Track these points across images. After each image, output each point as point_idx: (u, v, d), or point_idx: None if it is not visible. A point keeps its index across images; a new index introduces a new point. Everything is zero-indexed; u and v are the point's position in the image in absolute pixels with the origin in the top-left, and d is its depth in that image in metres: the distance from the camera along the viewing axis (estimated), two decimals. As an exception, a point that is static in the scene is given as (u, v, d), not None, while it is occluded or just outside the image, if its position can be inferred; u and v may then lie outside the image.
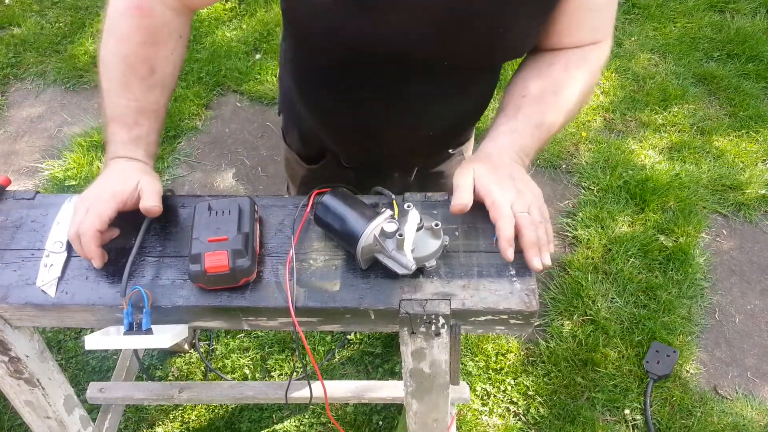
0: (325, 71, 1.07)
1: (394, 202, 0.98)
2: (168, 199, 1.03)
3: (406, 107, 1.07)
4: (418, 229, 0.90)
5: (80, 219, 0.90)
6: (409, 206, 0.90)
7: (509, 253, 0.88)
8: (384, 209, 0.92)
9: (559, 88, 0.99)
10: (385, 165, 1.25)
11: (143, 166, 0.96)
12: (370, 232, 0.88)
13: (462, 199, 0.91)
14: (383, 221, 0.89)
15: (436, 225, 0.90)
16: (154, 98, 0.97)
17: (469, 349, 1.97)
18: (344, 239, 0.92)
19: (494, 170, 0.93)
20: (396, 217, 0.91)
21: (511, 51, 1.00)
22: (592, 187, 2.42)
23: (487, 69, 1.08)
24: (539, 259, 0.88)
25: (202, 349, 1.97)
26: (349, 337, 2.01)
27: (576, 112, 1.03)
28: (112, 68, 0.95)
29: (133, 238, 0.96)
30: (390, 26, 0.90)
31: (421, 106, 1.08)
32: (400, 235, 0.87)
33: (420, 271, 0.91)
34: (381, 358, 1.96)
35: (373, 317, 0.91)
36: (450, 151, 1.30)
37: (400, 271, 0.88)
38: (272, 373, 1.93)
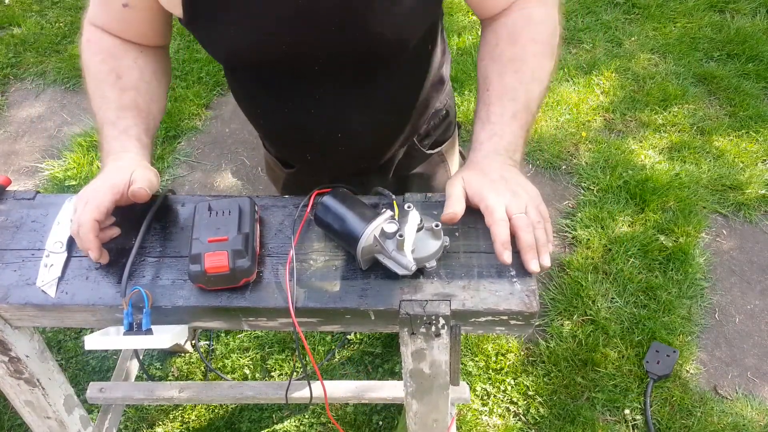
0: (240, 77, 1.10)
1: (395, 202, 0.98)
2: (168, 199, 1.03)
3: (315, 108, 1.06)
4: (419, 230, 0.90)
5: (80, 212, 0.90)
6: (409, 207, 0.90)
7: (506, 257, 0.87)
8: (384, 210, 0.92)
9: (518, 64, 0.95)
10: (345, 173, 1.22)
11: (138, 159, 0.96)
12: (370, 232, 0.88)
13: (451, 208, 0.91)
14: (383, 222, 0.89)
15: (437, 226, 0.90)
16: (129, 98, 0.99)
17: (469, 349, 1.97)
18: (344, 240, 0.92)
19: (484, 175, 0.92)
20: (396, 217, 0.91)
21: (387, 36, 0.94)
22: (592, 187, 2.42)
23: (378, 61, 1.01)
24: (536, 261, 0.87)
25: (202, 349, 1.97)
26: (349, 337, 2.01)
27: (549, 72, 0.97)
28: (89, 89, 1.01)
29: (133, 238, 0.96)
30: (246, 33, 0.93)
31: (332, 107, 1.06)
32: (401, 235, 0.87)
33: (420, 272, 0.91)
34: (381, 358, 1.96)
35: (373, 318, 0.91)
36: (426, 151, 1.27)
37: (400, 271, 0.88)
38: (272, 373, 1.93)
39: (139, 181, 0.90)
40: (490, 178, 0.91)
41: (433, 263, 0.91)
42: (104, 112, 0.98)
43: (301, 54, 0.96)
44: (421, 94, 1.15)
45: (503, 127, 0.94)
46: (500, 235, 0.87)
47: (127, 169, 0.92)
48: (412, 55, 1.05)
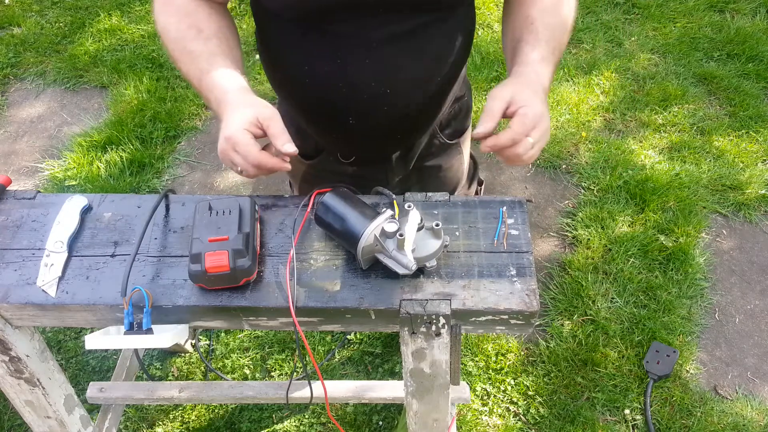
0: (288, 32, 1.08)
1: (395, 202, 0.98)
2: (168, 199, 1.03)
3: (369, 58, 1.06)
4: (419, 229, 0.90)
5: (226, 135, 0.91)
6: (409, 206, 0.91)
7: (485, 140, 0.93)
8: (384, 209, 0.92)
9: (556, 9, 1.06)
10: (376, 151, 1.22)
11: (247, 96, 0.97)
12: (370, 232, 0.88)
13: (485, 127, 0.94)
14: (384, 221, 0.89)
15: (437, 225, 0.90)
16: (214, 45, 1.01)
17: (469, 349, 1.97)
18: (345, 239, 0.92)
19: (534, 93, 0.96)
20: (396, 217, 0.92)
21: None
22: (592, 187, 2.42)
23: (436, 10, 1.06)
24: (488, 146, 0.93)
25: (201, 349, 1.97)
26: (349, 337, 2.01)
27: (573, 23, 1.09)
28: (173, 49, 1.03)
29: (133, 238, 0.96)
30: None
31: (385, 57, 1.06)
32: (401, 235, 0.87)
33: (420, 271, 0.91)
34: (381, 358, 1.96)
35: (373, 317, 0.91)
36: (448, 141, 1.30)
37: (401, 271, 0.88)
38: (272, 373, 1.93)
39: (283, 133, 0.92)
40: (540, 98, 0.97)
41: (434, 262, 0.91)
42: (196, 65, 1.00)
43: None
44: (461, 61, 1.18)
45: (549, 55, 1.03)
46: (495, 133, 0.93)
47: (249, 105, 0.94)
48: (462, 12, 1.11)
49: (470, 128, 1.37)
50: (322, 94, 1.13)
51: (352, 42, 1.04)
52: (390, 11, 1.00)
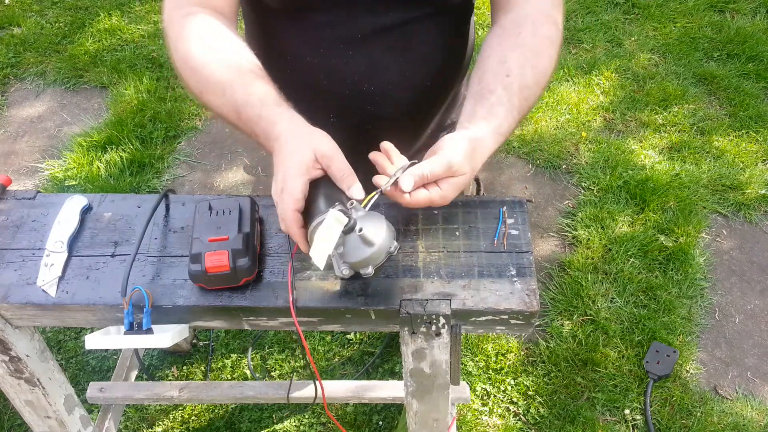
0: (274, 22, 1.06)
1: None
2: (168, 199, 1.04)
3: (354, 50, 1.02)
4: (347, 232, 0.82)
5: (281, 205, 0.83)
6: (352, 204, 0.83)
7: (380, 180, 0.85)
8: (336, 204, 0.83)
9: (537, 60, 0.94)
10: (362, 160, 1.09)
11: (302, 124, 0.87)
12: (312, 228, 0.82)
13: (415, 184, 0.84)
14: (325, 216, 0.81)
15: (360, 230, 0.82)
16: (250, 70, 0.92)
17: (469, 349, 1.97)
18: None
19: (473, 154, 0.87)
20: (365, 209, 0.85)
21: None
22: (592, 187, 2.42)
23: (424, 8, 1.02)
24: (409, 184, 0.83)
25: (201, 345, 1.97)
26: (348, 336, 2.01)
27: (551, 76, 0.97)
28: (201, 80, 0.92)
29: (134, 238, 0.96)
30: None
31: (370, 53, 1.03)
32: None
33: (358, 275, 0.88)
34: (381, 358, 1.96)
35: (373, 317, 0.91)
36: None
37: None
38: (272, 373, 1.93)
39: (348, 173, 0.84)
40: (476, 159, 0.88)
41: (369, 270, 0.85)
42: (230, 96, 0.89)
43: None
44: (456, 69, 1.14)
45: (507, 119, 0.91)
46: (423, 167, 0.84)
47: (305, 141, 0.84)
48: (455, 10, 1.07)
49: None
50: (302, 87, 1.07)
51: (335, 33, 1.02)
52: (376, 1, 0.98)
